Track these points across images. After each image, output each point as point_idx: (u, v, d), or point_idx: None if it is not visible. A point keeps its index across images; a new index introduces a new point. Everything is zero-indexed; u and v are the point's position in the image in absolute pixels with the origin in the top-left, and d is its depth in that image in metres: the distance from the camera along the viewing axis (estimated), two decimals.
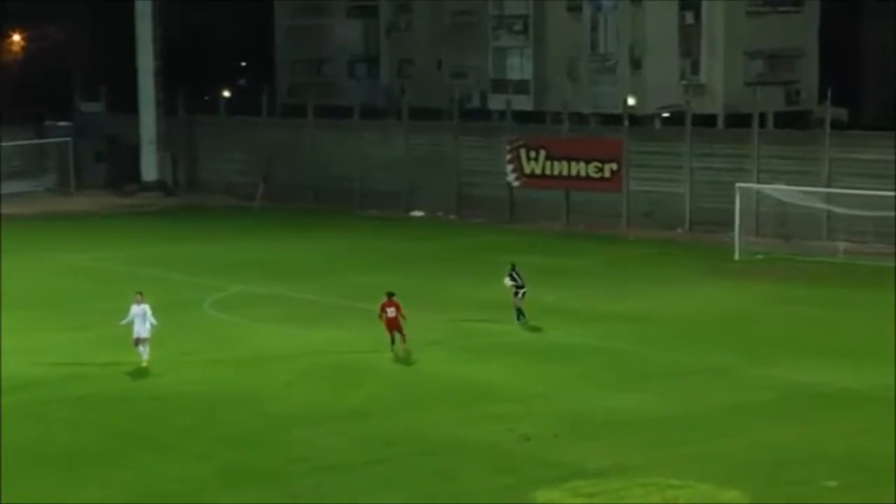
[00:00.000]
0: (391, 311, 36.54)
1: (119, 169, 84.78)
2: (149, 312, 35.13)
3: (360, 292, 46.54)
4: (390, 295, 36.79)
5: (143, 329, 34.90)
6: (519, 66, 79.97)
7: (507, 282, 41.07)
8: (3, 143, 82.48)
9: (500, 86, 79.67)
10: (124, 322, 35.28)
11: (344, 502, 24.70)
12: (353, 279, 50.14)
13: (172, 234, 64.32)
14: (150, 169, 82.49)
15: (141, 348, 34.97)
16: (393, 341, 36.51)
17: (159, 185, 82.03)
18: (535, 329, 40.37)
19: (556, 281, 48.26)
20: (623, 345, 38.14)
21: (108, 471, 26.42)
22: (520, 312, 40.92)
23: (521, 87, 79.03)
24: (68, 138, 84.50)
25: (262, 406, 31.45)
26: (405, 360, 36.07)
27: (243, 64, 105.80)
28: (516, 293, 41.02)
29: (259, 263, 54.04)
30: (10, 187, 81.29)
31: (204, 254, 57.24)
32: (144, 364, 34.92)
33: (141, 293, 35.75)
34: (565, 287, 47.59)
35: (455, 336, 39.49)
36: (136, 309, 35.08)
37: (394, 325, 36.56)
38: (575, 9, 76.70)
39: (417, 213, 71.64)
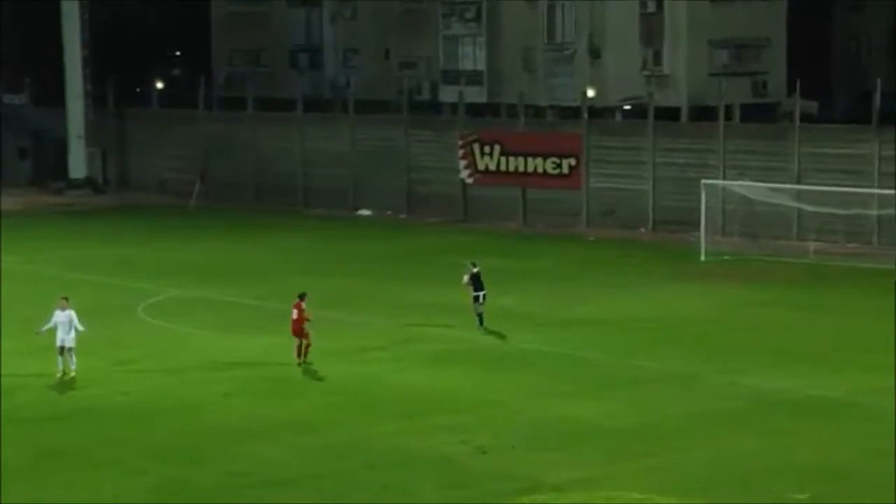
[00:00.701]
0: (295, 314, 36.48)
1: (45, 165, 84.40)
2: (75, 319, 35.05)
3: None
4: (301, 296, 36.78)
5: (67, 337, 34.82)
6: (472, 56, 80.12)
7: (466, 279, 41.20)
8: None
9: (452, 77, 79.81)
10: (45, 329, 35.17)
11: None
12: (297, 283, 49.66)
13: (103, 235, 64.01)
14: (78, 165, 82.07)
15: (67, 357, 34.85)
16: (299, 352, 36.38)
17: (88, 183, 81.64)
18: (491, 334, 40.53)
19: (512, 283, 48.39)
20: (583, 351, 38.33)
21: (35, 490, 26.32)
22: (480, 318, 41.09)
23: (473, 78, 79.19)
24: None
25: (201, 418, 31.43)
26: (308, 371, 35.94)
27: (178, 53, 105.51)
28: (476, 298, 41.17)
29: (196, 266, 53.96)
30: None
31: (137, 256, 57.06)
32: (71, 374, 34.83)
33: (66, 298, 35.64)
34: (523, 290, 47.75)
35: (406, 342, 39.60)
36: (59, 315, 34.99)
37: (296, 330, 36.46)
38: None
39: (365, 212, 71.67)
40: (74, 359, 34.96)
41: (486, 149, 68.26)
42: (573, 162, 65.62)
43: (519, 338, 40.13)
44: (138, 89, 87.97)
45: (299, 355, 36.16)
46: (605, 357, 37.57)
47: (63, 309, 35.10)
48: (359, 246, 60.51)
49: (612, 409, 32.04)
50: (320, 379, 35.23)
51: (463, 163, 68.97)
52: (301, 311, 36.29)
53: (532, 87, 74.76)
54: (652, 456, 28.25)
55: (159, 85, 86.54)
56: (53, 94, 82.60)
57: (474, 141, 68.75)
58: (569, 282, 50.59)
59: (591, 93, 71.11)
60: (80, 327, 35.05)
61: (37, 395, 33.77)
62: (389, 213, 70.85)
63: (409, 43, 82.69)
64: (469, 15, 79.64)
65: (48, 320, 35.20)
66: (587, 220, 64.90)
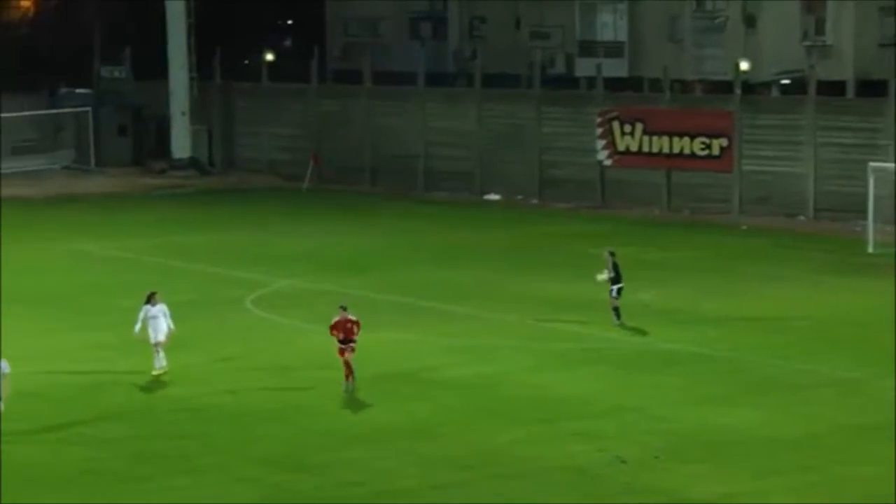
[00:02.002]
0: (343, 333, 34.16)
1: (145, 144, 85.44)
2: (168, 314, 35.29)
3: (426, 289, 46.77)
4: (344, 308, 34.69)
5: (160, 332, 35.08)
6: (611, 25, 79.55)
7: (599, 277, 40.99)
8: (12, 114, 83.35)
9: (590, 48, 79.31)
10: (137, 328, 35.37)
11: None
12: (418, 273, 50.24)
13: (208, 220, 64.74)
14: (181, 144, 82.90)
15: (158, 354, 35.17)
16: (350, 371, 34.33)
17: (192, 163, 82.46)
18: (631, 332, 40.30)
19: (654, 276, 48.14)
20: (733, 352, 37.98)
21: (132, 496, 26.59)
22: (617, 312, 40.92)
23: (613, 50, 78.61)
24: (87, 108, 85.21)
25: (310, 421, 31.59)
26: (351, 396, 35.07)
27: (289, 22, 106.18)
28: (613, 290, 41.01)
29: (308, 254, 54.30)
30: (20, 164, 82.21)
31: (244, 243, 57.56)
32: (157, 372, 35.09)
33: (155, 292, 35.90)
34: (665, 284, 47.49)
35: (537, 340, 39.49)
36: (151, 310, 35.21)
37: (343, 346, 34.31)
38: None
39: (492, 197, 71.64)
40: (162, 354, 35.22)
41: (627, 127, 67.90)
42: (724, 142, 65.03)
43: (661, 336, 39.83)
44: (246, 62, 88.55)
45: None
46: (758, 359, 37.15)
47: (154, 304, 35.31)
48: (485, 234, 60.51)
49: (766, 417, 31.65)
50: (442, 380, 35.18)
51: (601, 143, 68.66)
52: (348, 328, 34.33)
53: (678, 60, 74.01)
54: (810, 471, 27.84)
55: (269, 57, 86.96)
56: (155, 67, 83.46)
57: (614, 119, 68.40)
58: (717, 275, 50.12)
59: (744, 65, 70.18)
60: (172, 325, 35.26)
61: (133, 393, 34.14)
62: (519, 197, 70.73)
63: (541, 10, 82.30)
64: None
65: (137, 319, 35.43)
66: (739, 207, 64.29)
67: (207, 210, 68.80)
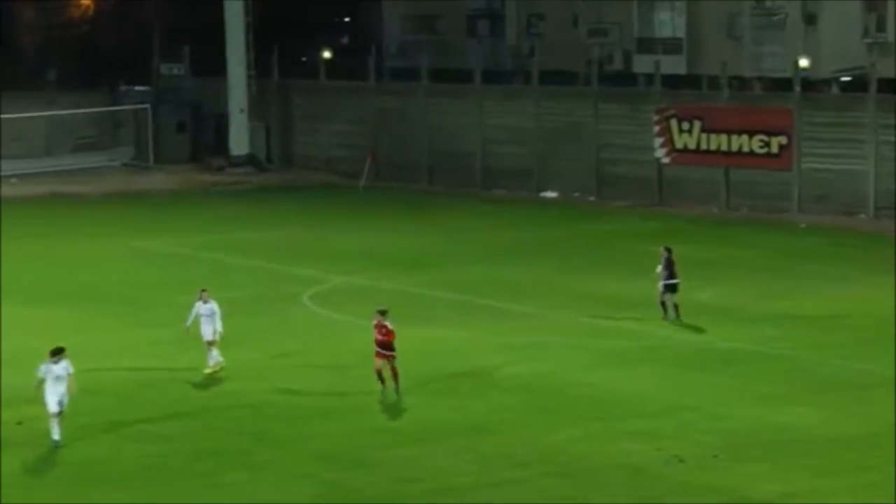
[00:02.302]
0: (381, 335, 33.41)
1: (204, 141, 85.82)
2: (218, 312, 35.30)
3: (482, 286, 46.76)
4: (382, 313, 33.84)
5: (210, 330, 35.14)
6: (669, 22, 79.41)
7: (659, 269, 41.12)
8: (72, 111, 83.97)
9: (648, 45, 79.16)
10: (189, 324, 35.42)
11: None
12: (474, 271, 50.23)
13: (265, 217, 64.95)
14: (239, 141, 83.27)
15: (214, 352, 35.27)
16: (382, 379, 33.38)
17: (250, 160, 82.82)
18: (688, 330, 40.14)
19: (712, 275, 48.00)
20: (792, 350, 37.76)
21: (191, 491, 26.70)
22: (674, 309, 40.99)
23: (671, 47, 78.42)
24: (146, 105, 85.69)
25: (369, 418, 31.60)
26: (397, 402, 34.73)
27: (346, 19, 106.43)
28: (668, 287, 41.01)
29: (365, 251, 54.38)
30: (80, 161, 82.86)
31: (302, 239, 57.74)
32: (210, 370, 35.13)
33: (206, 290, 35.97)
34: (723, 282, 47.34)
35: (593, 338, 39.39)
36: (202, 307, 35.29)
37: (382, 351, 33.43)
38: None
39: (550, 194, 71.60)
40: (215, 352, 35.27)
41: (685, 125, 67.66)
42: (783, 140, 64.69)
43: (719, 335, 39.65)
44: (304, 59, 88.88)
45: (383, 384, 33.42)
46: (817, 358, 36.92)
47: (205, 301, 35.40)
48: (542, 231, 60.49)
49: (825, 416, 31.42)
50: (498, 378, 35.12)
51: (658, 140, 68.46)
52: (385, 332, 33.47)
53: (737, 57, 73.74)
54: (871, 471, 27.59)
55: (327, 55, 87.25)
56: (214, 65, 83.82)
57: (672, 116, 68.18)
58: (776, 273, 49.86)
59: (804, 62, 69.84)
60: (219, 326, 35.25)
61: (191, 390, 34.26)
62: (576, 195, 70.65)
63: (599, 7, 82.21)
64: None
65: (189, 314, 35.54)
66: (798, 205, 63.95)
67: (265, 207, 69.03)
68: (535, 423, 31.16)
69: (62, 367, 29.12)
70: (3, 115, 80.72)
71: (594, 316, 42.16)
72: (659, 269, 41.28)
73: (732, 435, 30.05)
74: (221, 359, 35.22)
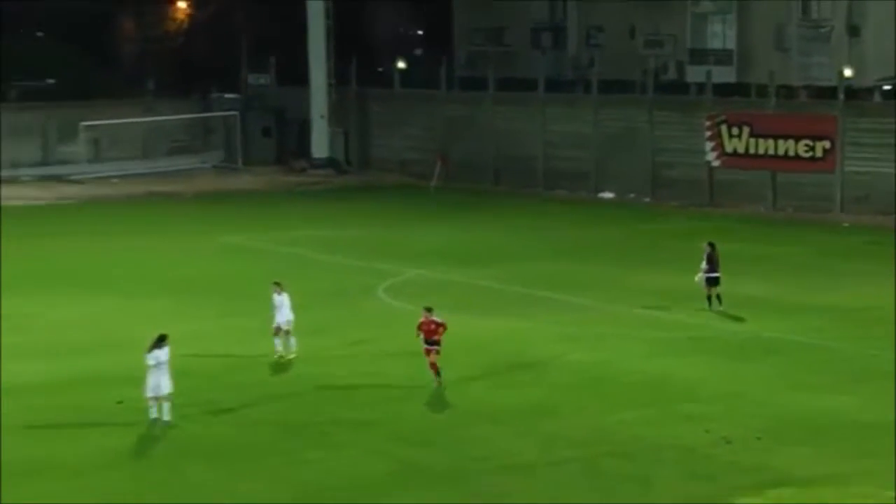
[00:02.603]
0: (428, 330, 32.53)
1: (288, 145, 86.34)
2: (287, 303, 35.38)
3: (544, 280, 46.77)
4: (429, 309, 32.99)
5: (283, 319, 35.21)
6: (721, 34, 79.11)
7: (703, 267, 41.21)
8: (168, 117, 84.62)
9: (700, 56, 78.93)
10: (274, 313, 35.45)
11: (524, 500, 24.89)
12: (537, 266, 50.26)
13: (344, 215, 65.20)
14: (320, 145, 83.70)
15: (285, 339, 35.35)
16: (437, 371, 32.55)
17: (330, 163, 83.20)
18: (735, 322, 40.05)
19: (759, 270, 47.89)
20: (834, 342, 37.56)
21: (275, 467, 26.85)
22: (717, 299, 41.10)
23: (722, 58, 78.16)
24: (235, 112, 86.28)
25: (439, 401, 31.68)
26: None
27: (419, 32, 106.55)
28: (710, 279, 41.13)
29: (435, 247, 54.50)
30: (174, 163, 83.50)
31: (377, 236, 57.91)
32: (291, 356, 35.23)
33: (278, 283, 36.01)
34: (770, 277, 47.16)
35: (647, 329, 39.34)
36: (276, 299, 35.42)
37: (429, 346, 32.65)
38: None
39: (607, 195, 71.49)
40: (293, 340, 35.41)
41: (735, 130, 67.45)
42: (827, 144, 64.38)
43: (764, 326, 39.48)
44: (380, 69, 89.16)
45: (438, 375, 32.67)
46: (858, 348, 36.68)
47: (279, 293, 35.59)
48: (600, 230, 60.43)
49: (865, 402, 31.20)
50: (559, 364, 35.17)
51: (710, 144, 68.26)
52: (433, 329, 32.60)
53: (784, 67, 73.42)
54: None
55: (401, 65, 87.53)
56: (297, 74, 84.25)
57: (722, 122, 67.96)
58: (819, 269, 49.62)
59: (847, 72, 69.40)
60: (291, 315, 35.31)
61: (275, 374, 34.45)
62: (632, 196, 70.52)
63: (655, 20, 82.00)
64: None
65: (271, 307, 35.60)
66: (841, 206, 63.61)
67: (344, 206, 69.30)
68: (594, 406, 31.19)
69: (164, 353, 29.44)
70: (105, 121, 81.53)
71: (648, 307, 42.11)
72: (703, 264, 41.29)
73: (775, 419, 29.98)
74: (294, 347, 35.44)
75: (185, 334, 36.83)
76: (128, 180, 78.82)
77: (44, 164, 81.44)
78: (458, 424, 29.72)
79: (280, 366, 34.97)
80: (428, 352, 32.38)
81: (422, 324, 32.65)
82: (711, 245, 41.85)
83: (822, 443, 28.26)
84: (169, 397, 29.37)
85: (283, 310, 35.37)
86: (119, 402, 30.94)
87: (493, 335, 38.43)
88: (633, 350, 36.72)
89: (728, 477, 26.10)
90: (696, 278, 41.42)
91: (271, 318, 35.46)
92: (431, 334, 32.38)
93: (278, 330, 35.43)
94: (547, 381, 33.55)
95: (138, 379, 30.03)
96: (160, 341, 29.64)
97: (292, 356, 35.35)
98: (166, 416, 29.30)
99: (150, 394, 29.37)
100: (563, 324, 39.72)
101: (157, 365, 29.33)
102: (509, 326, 39.47)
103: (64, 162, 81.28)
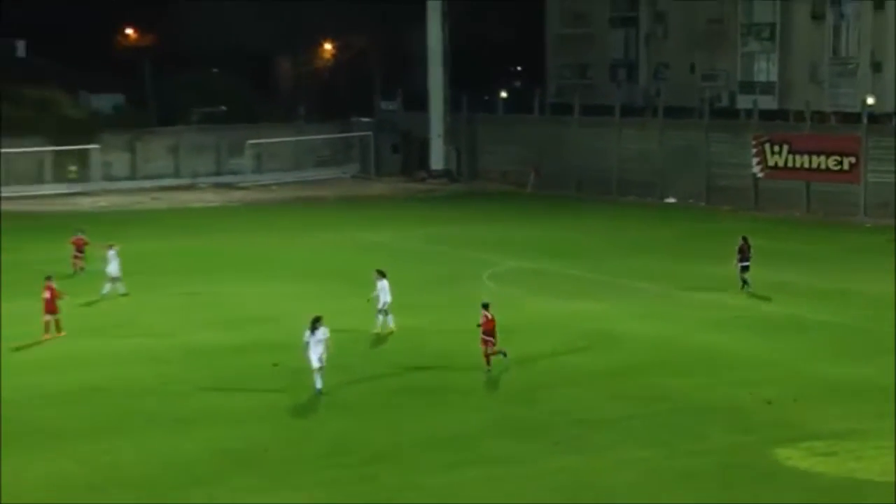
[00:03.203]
0: (485, 324, 30.72)
1: (411, 159, 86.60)
2: (386, 287, 34.97)
3: (619, 270, 46.57)
4: (485, 306, 31.23)
5: (385, 301, 34.90)
6: (765, 69, 78.14)
7: (738, 255, 41.43)
8: (315, 137, 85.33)
9: (748, 87, 78.03)
10: (375, 294, 35.19)
11: (601, 450, 24.73)
12: (612, 258, 50.02)
13: (456, 216, 65.27)
14: (438, 159, 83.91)
15: (385, 318, 35.02)
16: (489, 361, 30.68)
17: (445, 173, 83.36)
18: (775, 304, 39.59)
19: (794, 262, 47.37)
20: (859, 321, 36.99)
21: (401, 420, 26.96)
22: (745, 282, 41.13)
23: (766, 88, 77.20)
24: (369, 132, 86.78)
25: (532, 367, 31.60)
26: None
27: (518, 68, 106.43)
28: (743, 267, 41.38)
29: (530, 242, 54.41)
30: (320, 174, 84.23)
31: (482, 233, 57.89)
32: (389, 330, 34.82)
33: (379, 270, 35.63)
34: (804, 268, 46.59)
35: (701, 309, 38.98)
36: (380, 283, 35.16)
37: (485, 340, 30.75)
38: (819, 16, 74.47)
39: (670, 200, 70.94)
40: (391, 318, 35.07)
41: (776, 148, 66.67)
42: (853, 160, 63.43)
43: (799, 308, 38.99)
44: (486, 98, 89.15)
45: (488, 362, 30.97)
46: (878, 327, 36.02)
47: (380, 279, 35.18)
48: (664, 228, 59.94)
49: (883, 371, 30.64)
50: (629, 338, 34.99)
51: (755, 160, 67.54)
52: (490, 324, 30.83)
53: (817, 96, 72.37)
54: None
55: (503, 94, 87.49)
56: (419, 102, 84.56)
57: (766, 141, 67.20)
58: (845, 262, 48.91)
59: (870, 100, 68.31)
60: (389, 298, 34.99)
61: (399, 343, 34.44)
62: (691, 201, 69.92)
63: (711, 58, 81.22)
64: (764, 34, 77.69)
65: (375, 289, 35.24)
66: (864, 210, 62.58)
67: (455, 208, 69.39)
68: (657, 372, 30.98)
69: (321, 332, 28.64)
70: (265, 140, 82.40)
71: (702, 292, 41.75)
72: (737, 254, 41.59)
73: (808, 384, 29.62)
74: (391, 324, 35.09)
75: (325, 312, 37.08)
76: (283, 187, 79.54)
77: (217, 174, 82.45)
78: (546, 385, 29.67)
79: (401, 336, 34.93)
80: (485, 342, 30.74)
81: (483, 317, 30.77)
82: (744, 239, 41.88)
83: (847, 404, 27.87)
84: (320, 370, 28.61)
85: (384, 293, 35.10)
86: (274, 365, 31.24)
87: (576, 314, 38.35)
88: (690, 327, 36.42)
89: (769, 431, 25.86)
90: (734, 264, 41.45)
91: (375, 299, 35.26)
92: (488, 325, 30.80)
93: (383, 311, 35.09)
94: (620, 351, 33.41)
95: (290, 346, 30.25)
96: (315, 322, 28.64)
97: (389, 332, 35.01)
98: (319, 385, 28.50)
99: (315, 365, 28.46)
100: (632, 305, 39.52)
101: (316, 342, 28.41)
102: (589, 307, 39.34)
103: (233, 172, 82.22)
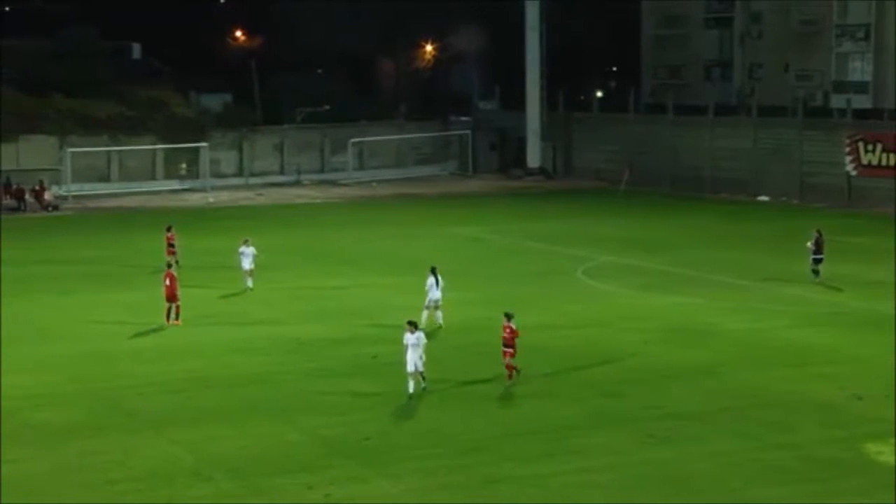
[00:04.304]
0: (506, 334, 28.85)
1: (508, 157, 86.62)
2: (434, 284, 34.48)
3: (710, 265, 46.12)
4: (508, 316, 29.16)
5: (434, 297, 34.50)
6: (860, 69, 76.80)
7: (808, 244, 41.63)
8: (415, 135, 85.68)
9: (842, 86, 76.73)
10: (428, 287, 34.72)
11: (691, 443, 24.50)
12: (704, 253, 49.54)
13: (551, 212, 65.14)
14: (534, 157, 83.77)
15: (434, 313, 34.43)
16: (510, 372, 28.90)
17: (541, 171, 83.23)
18: (863, 300, 38.85)
19: (885, 259, 46.35)
20: None
21: (493, 410, 26.96)
22: (816, 273, 41.36)
23: (860, 88, 75.84)
24: (468, 131, 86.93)
25: (624, 360, 31.47)
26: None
27: (613, 69, 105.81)
28: (815, 260, 41.66)
29: (623, 238, 54.08)
30: (420, 171, 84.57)
31: (577, 229, 57.70)
32: (435, 327, 34.05)
33: (434, 267, 35.13)
34: (893, 266, 45.53)
35: (791, 305, 38.41)
36: (429, 280, 34.71)
37: (506, 349, 28.87)
38: None
39: (763, 198, 70.03)
40: (440, 314, 34.53)
41: (870, 147, 65.52)
42: None
43: (887, 305, 38.05)
44: (582, 97, 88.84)
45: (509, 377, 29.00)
46: None
47: (430, 276, 34.77)
48: (757, 225, 59.21)
49: None
50: (720, 332, 34.60)
51: (849, 158, 66.45)
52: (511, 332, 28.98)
53: None
54: None
55: (598, 94, 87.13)
56: (516, 101, 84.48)
57: (859, 140, 66.05)
58: None
59: None
60: (439, 294, 34.60)
61: (491, 334, 34.30)
62: (784, 199, 68.97)
63: (805, 58, 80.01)
64: (859, 35, 76.33)
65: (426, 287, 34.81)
66: None
67: (551, 205, 69.22)
68: (746, 366, 30.60)
69: (416, 337, 27.60)
70: (367, 138, 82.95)
71: (793, 286, 41.14)
72: (809, 244, 41.60)
73: None
74: (440, 320, 34.44)
75: (423, 306, 37.26)
76: (384, 184, 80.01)
77: (321, 171, 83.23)
78: (638, 379, 29.45)
79: (493, 327, 34.72)
80: (504, 354, 28.82)
81: (504, 328, 28.82)
82: (819, 232, 41.89)
83: None
84: (416, 374, 27.59)
85: (434, 290, 34.59)
86: (374, 357, 31.41)
87: (668, 308, 38.03)
88: (780, 321, 35.93)
89: (859, 426, 25.39)
90: (811, 262, 41.74)
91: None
92: (509, 338, 28.74)
93: (432, 306, 34.36)
94: (709, 345, 33.06)
95: (389, 340, 30.36)
96: (412, 326, 27.82)
97: (437, 327, 34.19)
98: (410, 390, 27.53)
99: (409, 370, 27.57)
100: (724, 300, 39.09)
101: (413, 346, 27.50)
102: (681, 302, 38.99)
103: (336, 170, 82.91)
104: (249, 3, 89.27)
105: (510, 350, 28.82)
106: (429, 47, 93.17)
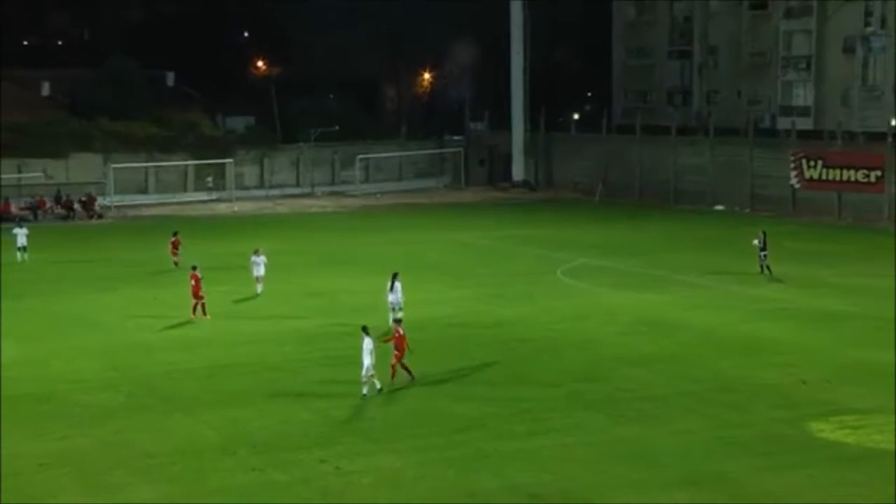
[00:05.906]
0: (396, 339, 26.87)
1: (496, 171, 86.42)
2: (400, 290, 33.37)
3: (675, 266, 45.96)
4: (398, 321, 27.92)
5: (394, 300, 33.41)
6: (802, 95, 76.72)
7: (754, 242, 42.42)
8: (415, 152, 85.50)
9: (787, 110, 76.64)
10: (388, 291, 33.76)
11: (658, 422, 24.38)
12: (669, 256, 49.40)
13: (534, 220, 64.95)
14: (518, 171, 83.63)
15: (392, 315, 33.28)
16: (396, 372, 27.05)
17: (525, 184, 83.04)
18: (810, 297, 38.72)
19: (827, 261, 46.32)
20: (883, 312, 35.94)
21: (481, 394, 26.80)
22: (765, 268, 42.29)
23: (803, 112, 75.77)
24: (460, 149, 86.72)
25: (599, 349, 31.36)
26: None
27: (588, 93, 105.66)
28: (762, 256, 42.58)
29: (598, 243, 53.94)
30: (418, 184, 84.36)
31: (557, 234, 57.55)
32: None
33: (396, 273, 34.22)
34: (835, 266, 45.54)
35: (744, 301, 38.31)
36: (396, 284, 33.63)
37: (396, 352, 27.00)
38: (849, 50, 73.09)
39: (719, 207, 69.90)
40: (400, 315, 33.43)
41: (812, 163, 65.40)
42: (879, 173, 62.02)
43: (832, 301, 38.12)
44: (560, 118, 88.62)
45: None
46: None
47: (395, 281, 33.97)
48: (714, 231, 59.06)
49: None
50: (684, 325, 34.48)
51: (793, 173, 66.30)
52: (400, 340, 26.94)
53: (848, 118, 70.84)
54: None
55: (575, 116, 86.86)
56: (503, 122, 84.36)
57: (803, 157, 65.94)
58: (871, 260, 47.63)
59: (894, 122, 66.74)
60: (401, 298, 33.53)
61: (486, 329, 34.22)
62: (737, 208, 68.83)
63: (755, 86, 79.91)
64: (801, 65, 76.35)
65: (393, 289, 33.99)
66: (888, 216, 61.09)
67: (534, 214, 69.03)
68: (707, 355, 30.50)
69: (367, 341, 25.67)
70: (372, 155, 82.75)
71: (748, 285, 40.99)
72: (755, 242, 42.64)
73: (839, 367, 28.96)
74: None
75: (422, 301, 37.24)
76: (387, 195, 79.77)
77: (332, 183, 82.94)
78: (612, 366, 29.35)
79: (487, 320, 34.76)
80: (397, 357, 27.02)
81: (396, 337, 27.06)
82: (764, 232, 43.29)
83: (874, 385, 27.17)
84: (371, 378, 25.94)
85: (396, 294, 33.58)
86: (383, 342, 31.12)
87: (638, 304, 37.91)
88: (736, 316, 35.81)
89: (805, 407, 25.32)
90: (760, 257, 42.52)
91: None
92: (399, 343, 27.03)
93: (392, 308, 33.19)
94: (675, 336, 32.95)
95: (390, 333, 30.00)
96: (364, 330, 26.10)
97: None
98: (377, 385, 26.07)
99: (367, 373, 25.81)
100: (687, 297, 38.97)
101: (368, 351, 25.77)
102: (649, 298, 38.87)
103: (345, 182, 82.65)
104: (270, 37, 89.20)
105: (398, 353, 26.97)
106: (427, 75, 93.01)
